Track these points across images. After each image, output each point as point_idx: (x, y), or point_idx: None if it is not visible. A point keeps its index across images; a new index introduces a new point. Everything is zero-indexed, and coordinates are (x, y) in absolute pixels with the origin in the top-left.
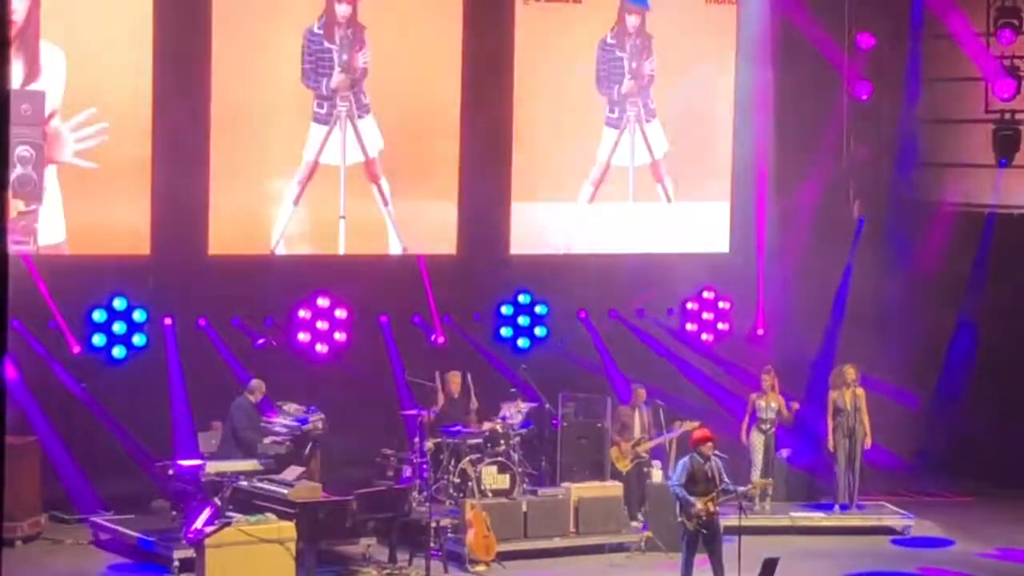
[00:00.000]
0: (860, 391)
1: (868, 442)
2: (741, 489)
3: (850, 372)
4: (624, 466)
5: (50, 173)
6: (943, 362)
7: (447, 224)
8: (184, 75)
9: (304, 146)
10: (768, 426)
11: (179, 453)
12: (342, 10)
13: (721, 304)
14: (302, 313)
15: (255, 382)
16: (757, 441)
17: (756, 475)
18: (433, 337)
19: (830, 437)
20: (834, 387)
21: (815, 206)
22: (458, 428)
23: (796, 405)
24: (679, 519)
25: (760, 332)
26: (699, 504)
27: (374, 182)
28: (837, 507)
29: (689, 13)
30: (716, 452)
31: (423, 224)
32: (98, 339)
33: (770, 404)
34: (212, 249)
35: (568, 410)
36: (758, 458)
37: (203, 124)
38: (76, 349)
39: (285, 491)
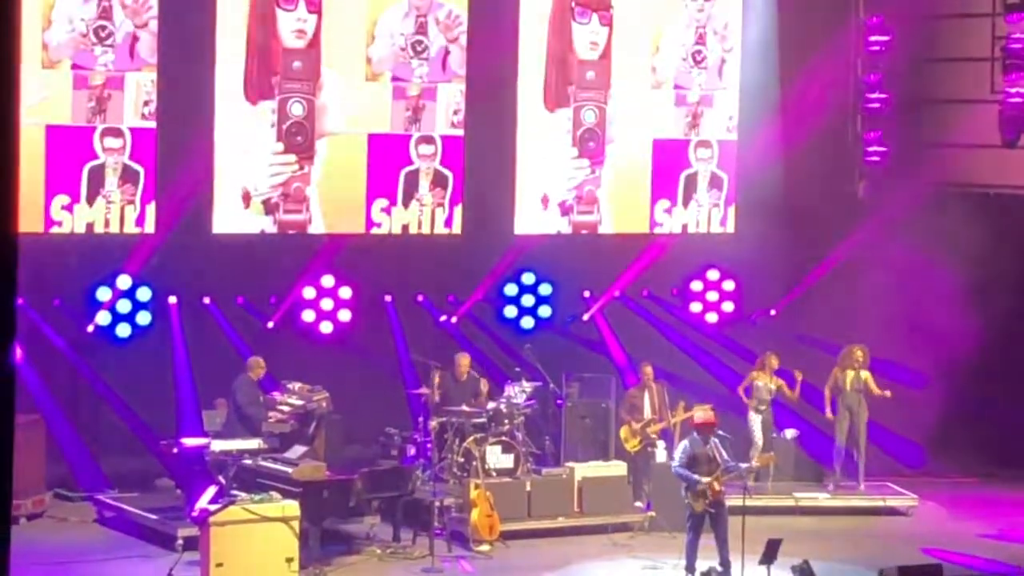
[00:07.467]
0: (865, 373)
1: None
2: (744, 466)
3: (858, 353)
4: (633, 446)
5: None
6: (950, 342)
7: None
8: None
9: None
10: (764, 406)
11: (183, 431)
12: None
13: (726, 284)
14: (307, 292)
15: (253, 359)
16: (755, 421)
17: (755, 454)
18: (446, 318)
19: (828, 407)
20: (840, 366)
21: (823, 185)
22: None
23: (799, 375)
24: (685, 500)
25: (772, 313)
26: (705, 480)
27: None
28: (832, 485)
29: None
30: (719, 432)
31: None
32: (103, 317)
33: (768, 385)
34: (216, 227)
35: (572, 390)
36: (757, 437)
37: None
38: (90, 329)
39: (289, 470)
